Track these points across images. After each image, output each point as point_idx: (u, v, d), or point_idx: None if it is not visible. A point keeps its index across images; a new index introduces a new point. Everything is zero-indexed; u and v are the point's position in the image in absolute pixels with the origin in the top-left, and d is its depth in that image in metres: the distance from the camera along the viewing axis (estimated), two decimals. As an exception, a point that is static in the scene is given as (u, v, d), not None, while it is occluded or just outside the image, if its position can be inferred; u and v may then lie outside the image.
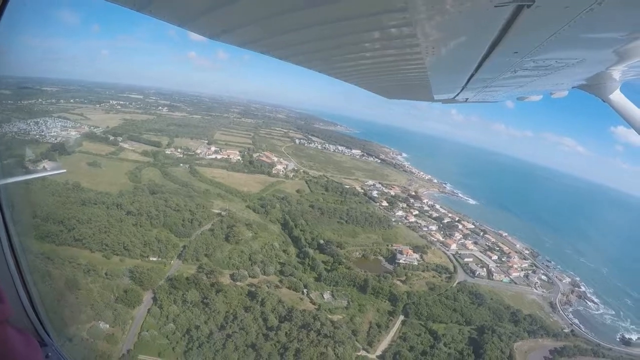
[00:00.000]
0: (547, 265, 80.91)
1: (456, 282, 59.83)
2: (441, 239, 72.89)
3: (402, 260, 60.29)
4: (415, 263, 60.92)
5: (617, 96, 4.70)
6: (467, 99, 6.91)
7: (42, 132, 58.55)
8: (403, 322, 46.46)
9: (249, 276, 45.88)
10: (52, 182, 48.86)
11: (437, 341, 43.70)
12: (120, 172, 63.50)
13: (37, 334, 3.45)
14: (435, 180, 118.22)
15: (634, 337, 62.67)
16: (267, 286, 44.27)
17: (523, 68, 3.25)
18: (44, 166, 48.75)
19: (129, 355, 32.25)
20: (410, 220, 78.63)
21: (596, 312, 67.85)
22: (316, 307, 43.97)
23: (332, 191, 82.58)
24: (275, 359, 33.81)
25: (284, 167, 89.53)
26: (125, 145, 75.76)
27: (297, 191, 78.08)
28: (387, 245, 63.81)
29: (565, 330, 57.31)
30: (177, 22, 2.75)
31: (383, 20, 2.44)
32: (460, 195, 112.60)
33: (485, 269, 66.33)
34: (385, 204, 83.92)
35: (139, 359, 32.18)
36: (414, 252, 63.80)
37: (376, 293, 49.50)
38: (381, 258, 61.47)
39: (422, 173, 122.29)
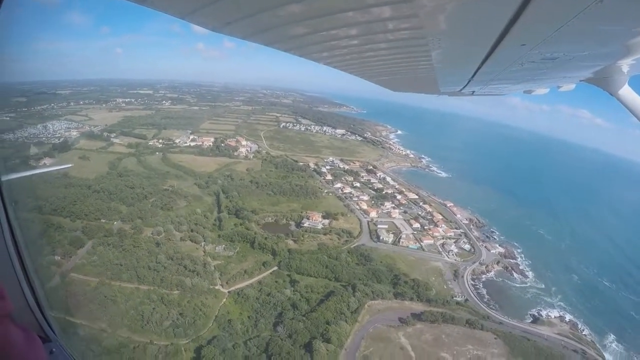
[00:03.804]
0: (487, 236, 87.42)
1: (354, 244, 73.14)
2: (365, 207, 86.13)
3: (306, 224, 76.63)
4: (320, 227, 76.53)
5: (626, 90, 4.94)
6: (473, 91, 7.45)
7: (48, 134, 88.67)
8: (272, 272, 63.64)
9: (164, 231, 68.22)
10: (48, 172, 76.93)
11: (292, 287, 59.22)
12: (104, 163, 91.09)
13: (42, 329, 3.65)
14: (411, 156, 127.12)
15: (552, 314, 64.27)
16: (169, 238, 66.15)
17: (530, 60, 3.46)
18: (44, 163, 77.31)
19: (67, 273, 57.12)
20: (346, 191, 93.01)
21: (517, 285, 71.38)
22: (204, 254, 64.50)
23: (281, 168, 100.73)
24: (147, 280, 55.61)
25: (247, 150, 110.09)
26: (117, 140, 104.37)
27: (247, 169, 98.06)
28: (301, 212, 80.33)
29: (458, 299, 62.81)
30: (179, 15, 2.96)
31: (389, 11, 2.60)
32: (433, 169, 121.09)
33: (394, 235, 78.06)
34: (329, 177, 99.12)
35: (71, 275, 56.85)
36: (323, 218, 79.37)
37: (262, 248, 67.64)
38: (292, 222, 78.56)
39: (401, 149, 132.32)
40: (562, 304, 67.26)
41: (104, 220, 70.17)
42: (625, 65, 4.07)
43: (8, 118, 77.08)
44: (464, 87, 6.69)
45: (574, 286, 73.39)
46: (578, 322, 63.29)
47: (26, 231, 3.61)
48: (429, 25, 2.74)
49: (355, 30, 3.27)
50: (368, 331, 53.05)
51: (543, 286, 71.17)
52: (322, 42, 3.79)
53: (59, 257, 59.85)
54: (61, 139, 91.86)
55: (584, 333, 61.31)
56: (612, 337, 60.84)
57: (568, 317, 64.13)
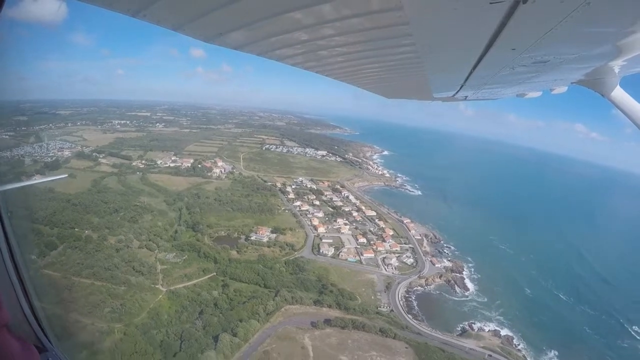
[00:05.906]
0: (439, 251, 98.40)
1: (293, 256, 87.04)
2: (315, 223, 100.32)
3: (253, 237, 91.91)
4: (265, 240, 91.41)
5: (617, 91, 5.34)
6: (466, 96, 8.10)
7: (42, 153, 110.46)
8: (210, 277, 78.64)
9: (125, 240, 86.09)
10: (35, 186, 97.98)
11: (222, 290, 74.27)
12: (88, 181, 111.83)
13: (38, 339, 3.92)
14: (387, 175, 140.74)
15: (487, 328, 69.18)
16: (128, 246, 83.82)
17: (521, 64, 3.78)
18: (34, 179, 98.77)
19: (41, 270, 75.53)
20: (303, 208, 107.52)
21: (456, 299, 78.73)
22: (155, 260, 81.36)
23: (248, 188, 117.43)
24: (101, 277, 72.84)
25: (221, 171, 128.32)
26: (104, 161, 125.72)
27: (216, 188, 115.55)
28: (252, 227, 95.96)
29: (382, 309, 71.26)
30: (171, 27, 3.26)
31: (379, 19, 2.93)
32: (407, 187, 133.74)
33: (334, 249, 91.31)
34: (292, 196, 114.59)
35: (44, 271, 75.21)
36: (272, 232, 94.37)
37: (206, 257, 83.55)
38: (242, 236, 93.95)
39: (379, 168, 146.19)
40: (501, 318, 72.13)
41: (77, 229, 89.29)
42: (616, 66, 4.41)
43: (7, 137, 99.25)
44: (457, 92, 7.37)
45: (523, 300, 78.22)
46: (515, 337, 68.05)
47: (21, 241, 3.93)
48: (418, 33, 3.07)
49: (345, 38, 3.71)
50: (276, 330, 64.49)
51: (485, 300, 77.15)
52: (313, 51, 4.28)
53: (35, 257, 79.06)
54: (53, 158, 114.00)
55: (518, 348, 66.24)
56: (552, 353, 65.09)
57: (505, 331, 69.17)
